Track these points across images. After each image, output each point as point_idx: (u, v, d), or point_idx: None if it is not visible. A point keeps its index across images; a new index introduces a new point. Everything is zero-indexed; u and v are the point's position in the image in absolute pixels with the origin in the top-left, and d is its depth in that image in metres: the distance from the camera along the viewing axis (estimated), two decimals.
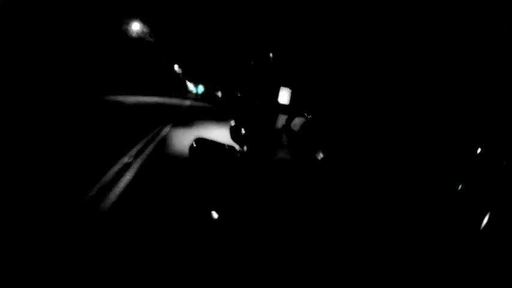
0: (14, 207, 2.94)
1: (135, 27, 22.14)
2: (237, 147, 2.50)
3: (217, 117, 15.50)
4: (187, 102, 25.45)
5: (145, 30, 24.10)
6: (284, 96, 10.57)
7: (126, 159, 5.09)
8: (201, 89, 57.95)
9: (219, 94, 44.41)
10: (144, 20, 22.57)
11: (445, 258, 0.98)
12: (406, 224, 1.10)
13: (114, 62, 22.88)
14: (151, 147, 6.42)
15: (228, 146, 2.34)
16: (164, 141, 7.26)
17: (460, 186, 1.00)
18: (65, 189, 3.50)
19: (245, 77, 27.56)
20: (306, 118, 2.09)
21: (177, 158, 5.70)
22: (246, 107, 23.63)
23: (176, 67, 49.97)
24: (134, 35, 22.52)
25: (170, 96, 32.10)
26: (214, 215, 1.70)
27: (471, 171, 0.99)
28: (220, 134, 9.44)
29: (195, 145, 2.24)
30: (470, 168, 1.00)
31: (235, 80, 32.13)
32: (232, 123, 2.59)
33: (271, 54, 19.53)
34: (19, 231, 2.57)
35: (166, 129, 9.22)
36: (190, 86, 65.46)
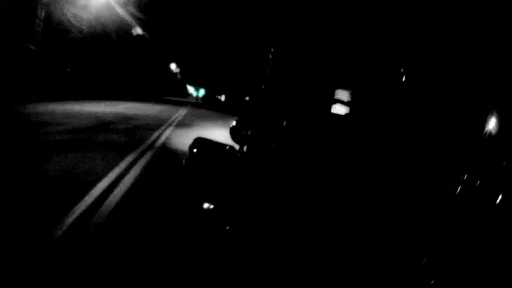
0: (14, 205, 2.94)
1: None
2: (237, 147, 2.50)
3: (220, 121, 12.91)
4: (180, 113, 17.11)
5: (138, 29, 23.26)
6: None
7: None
8: (201, 92, 55.98)
9: (222, 98, 41.98)
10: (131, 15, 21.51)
11: (445, 258, 0.98)
12: (406, 224, 1.10)
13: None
14: None
15: (228, 146, 2.34)
16: None
17: (459, 187, 1.00)
18: (61, 193, 3.51)
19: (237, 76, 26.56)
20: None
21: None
22: (246, 107, 23.52)
23: (173, 66, 48.63)
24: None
25: (157, 101, 23.85)
26: (206, 204, 1.70)
27: (471, 171, 0.99)
28: (220, 134, 9.43)
29: (194, 145, 2.23)
30: (470, 168, 1.00)
31: (237, 81, 31.36)
32: (232, 123, 2.59)
33: (270, 54, 19.37)
34: (19, 224, 2.57)
35: None
36: (191, 89, 64.73)
